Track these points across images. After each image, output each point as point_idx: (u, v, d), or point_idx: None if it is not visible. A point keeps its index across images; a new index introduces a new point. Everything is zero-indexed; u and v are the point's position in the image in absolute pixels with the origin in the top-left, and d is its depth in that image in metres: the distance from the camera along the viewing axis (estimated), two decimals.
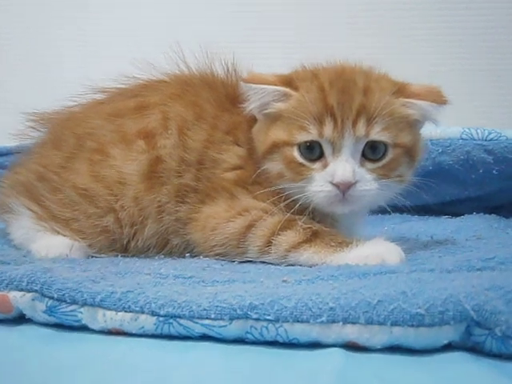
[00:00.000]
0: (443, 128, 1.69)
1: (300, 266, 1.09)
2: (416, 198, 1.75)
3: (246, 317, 0.81)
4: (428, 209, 1.77)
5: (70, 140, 1.27)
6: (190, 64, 1.28)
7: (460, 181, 1.70)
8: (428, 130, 1.69)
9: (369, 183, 1.10)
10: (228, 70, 1.28)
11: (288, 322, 0.80)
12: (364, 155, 1.11)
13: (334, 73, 1.16)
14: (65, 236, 1.21)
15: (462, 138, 1.67)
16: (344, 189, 1.09)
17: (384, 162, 1.12)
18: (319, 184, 1.10)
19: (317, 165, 1.11)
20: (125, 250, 1.22)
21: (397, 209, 1.76)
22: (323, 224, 1.14)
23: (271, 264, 1.11)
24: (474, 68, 2.04)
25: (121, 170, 1.20)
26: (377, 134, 1.10)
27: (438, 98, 1.15)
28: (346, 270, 0.96)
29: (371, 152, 1.12)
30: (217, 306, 0.82)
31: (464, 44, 2.03)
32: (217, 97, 1.24)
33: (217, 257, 1.15)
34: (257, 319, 0.81)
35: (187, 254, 1.19)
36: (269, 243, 1.11)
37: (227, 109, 1.23)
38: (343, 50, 1.17)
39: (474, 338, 0.77)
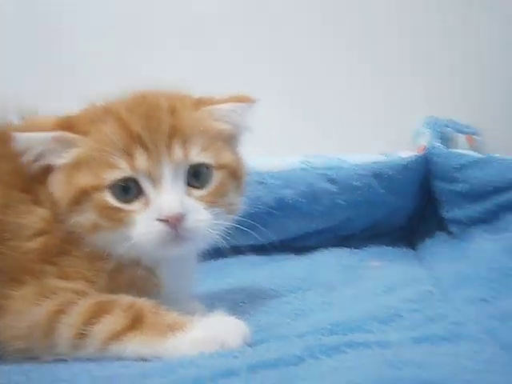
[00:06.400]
0: (281, 158, 1.56)
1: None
2: (255, 238, 1.60)
3: None
4: (271, 246, 1.62)
5: None
6: None
7: (305, 214, 1.56)
8: (267, 163, 1.56)
9: (201, 213, 0.95)
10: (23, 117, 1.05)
11: None
12: (188, 183, 0.97)
13: (131, 101, 1.00)
14: None
15: (302, 169, 1.54)
16: (175, 223, 0.92)
17: (211, 187, 0.98)
18: (145, 225, 0.93)
19: (137, 205, 0.94)
20: None
21: (234, 250, 1.61)
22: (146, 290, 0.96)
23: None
24: None
25: None
26: (197, 155, 0.96)
27: (244, 99, 1.04)
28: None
29: (195, 179, 0.97)
30: None
31: None
32: (10, 150, 0.99)
33: (19, 354, 0.91)
34: None
35: None
36: (81, 335, 0.89)
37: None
38: None
39: None
